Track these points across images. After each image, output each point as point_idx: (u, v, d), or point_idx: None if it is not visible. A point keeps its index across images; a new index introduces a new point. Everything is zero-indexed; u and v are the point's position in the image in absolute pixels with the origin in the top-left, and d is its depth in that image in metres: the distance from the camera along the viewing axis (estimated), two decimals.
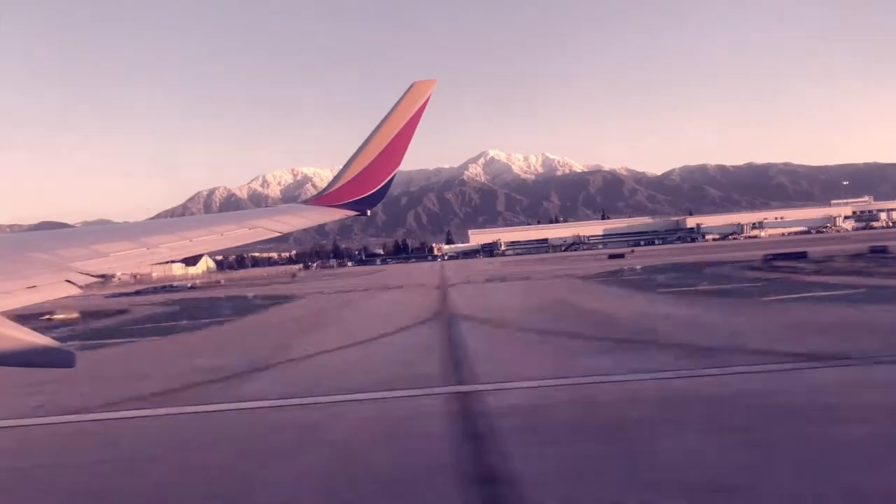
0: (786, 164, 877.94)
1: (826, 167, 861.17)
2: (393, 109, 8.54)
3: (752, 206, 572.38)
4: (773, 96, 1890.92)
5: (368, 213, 8.62)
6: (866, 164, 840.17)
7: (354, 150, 8.86)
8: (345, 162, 8.83)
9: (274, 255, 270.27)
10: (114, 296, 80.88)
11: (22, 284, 5.04)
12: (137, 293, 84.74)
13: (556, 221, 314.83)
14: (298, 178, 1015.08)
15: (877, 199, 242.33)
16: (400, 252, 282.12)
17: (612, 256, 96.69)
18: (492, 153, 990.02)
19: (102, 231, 6.94)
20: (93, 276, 5.54)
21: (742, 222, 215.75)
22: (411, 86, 8.67)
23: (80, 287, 5.36)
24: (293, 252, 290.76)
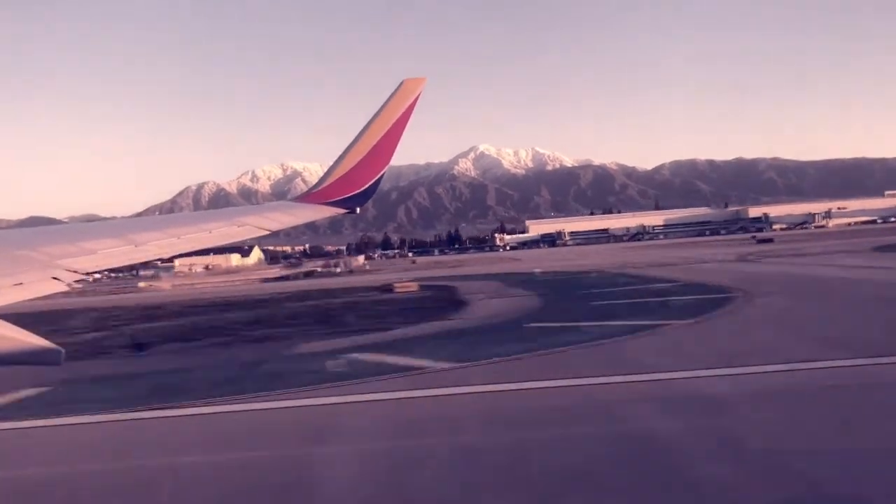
0: (774, 160, 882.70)
1: (814, 162, 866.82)
2: (382, 107, 8.57)
3: (743, 201, 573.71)
4: (760, 91, 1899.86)
5: (358, 210, 8.65)
6: (854, 160, 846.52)
7: (344, 144, 8.87)
8: (334, 157, 8.86)
9: (287, 248, 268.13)
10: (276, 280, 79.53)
11: (8, 282, 5.03)
12: (284, 278, 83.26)
13: (548, 217, 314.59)
14: (288, 172, 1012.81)
15: (865, 195, 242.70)
16: (452, 243, 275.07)
17: (761, 241, 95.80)
18: (482, 148, 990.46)
19: (89, 228, 6.93)
20: (80, 273, 5.53)
21: (813, 211, 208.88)
22: (401, 84, 8.70)
23: (67, 284, 5.35)
24: (307, 246, 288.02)
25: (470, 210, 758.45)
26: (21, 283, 5.06)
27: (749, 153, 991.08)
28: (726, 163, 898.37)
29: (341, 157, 8.51)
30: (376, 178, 8.66)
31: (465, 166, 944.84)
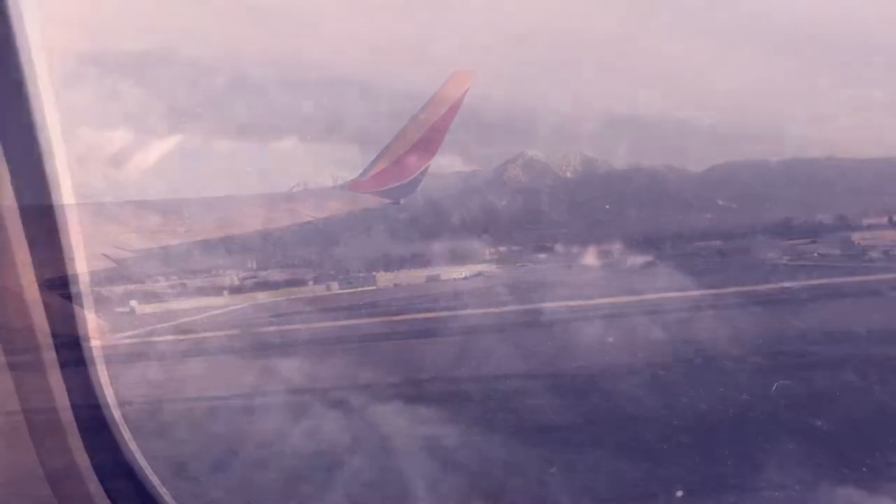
0: None
1: None
2: (430, 99, 8.40)
3: None
4: None
5: (402, 201, 8.45)
6: None
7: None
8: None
9: None
10: None
11: (59, 256, 5.13)
12: None
13: (602, 223, 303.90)
14: None
15: None
16: None
17: None
18: (530, 153, 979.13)
19: (137, 205, 7.00)
20: (127, 251, 5.62)
21: None
22: (449, 76, 8.52)
23: (115, 261, 5.43)
24: None
25: (524, 216, 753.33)
26: (71, 258, 5.16)
27: None
28: None
29: (388, 147, 8.32)
30: (422, 169, 8.40)
31: (514, 173, 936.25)
